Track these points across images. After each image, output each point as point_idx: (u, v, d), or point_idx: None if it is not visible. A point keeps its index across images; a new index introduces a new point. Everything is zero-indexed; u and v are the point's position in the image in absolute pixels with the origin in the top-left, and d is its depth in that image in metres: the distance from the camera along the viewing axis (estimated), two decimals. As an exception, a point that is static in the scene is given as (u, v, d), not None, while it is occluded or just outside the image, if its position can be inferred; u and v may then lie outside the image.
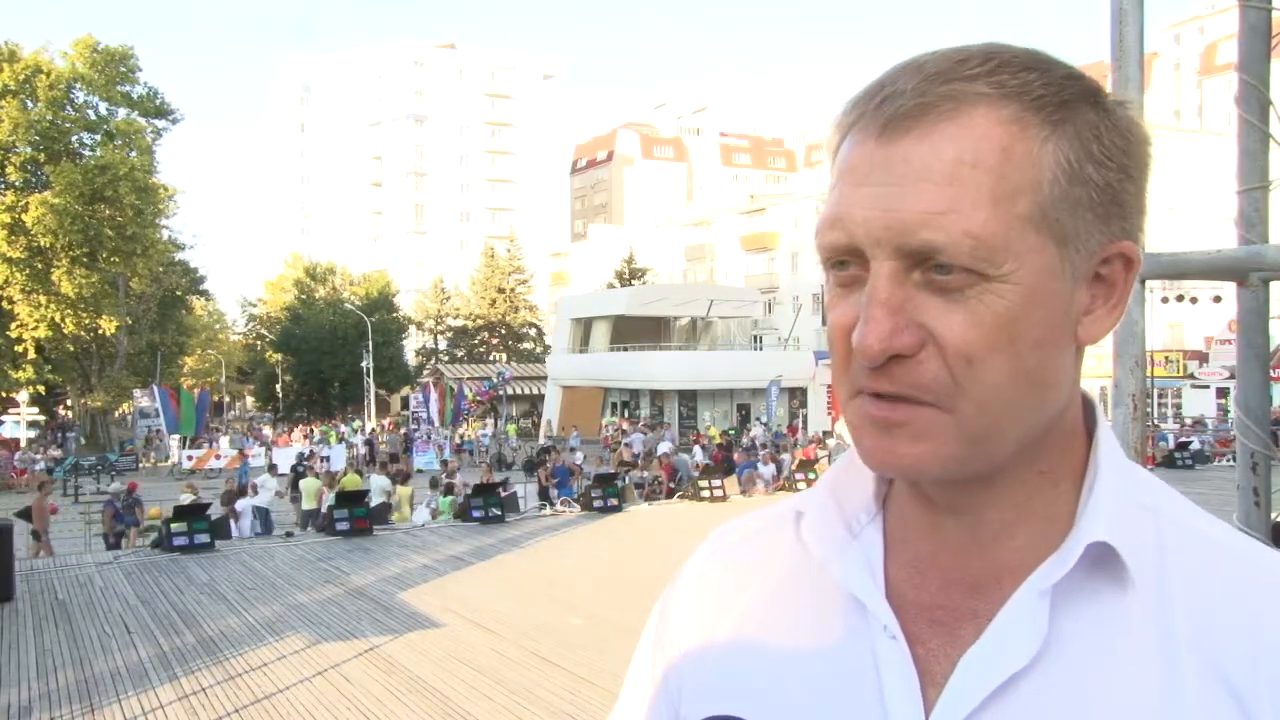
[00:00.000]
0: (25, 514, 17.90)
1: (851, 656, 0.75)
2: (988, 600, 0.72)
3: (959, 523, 0.74)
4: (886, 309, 0.65)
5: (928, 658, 0.73)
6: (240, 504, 18.85)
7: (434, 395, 45.61)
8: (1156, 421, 39.47)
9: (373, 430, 47.72)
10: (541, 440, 42.56)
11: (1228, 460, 26.92)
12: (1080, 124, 0.67)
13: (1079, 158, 0.66)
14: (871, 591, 0.76)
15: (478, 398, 55.86)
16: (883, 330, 0.65)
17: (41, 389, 47.65)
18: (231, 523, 18.25)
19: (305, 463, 28.76)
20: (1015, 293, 0.65)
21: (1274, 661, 0.65)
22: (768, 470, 23.32)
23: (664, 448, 32.40)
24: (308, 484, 20.68)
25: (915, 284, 0.66)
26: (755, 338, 61.45)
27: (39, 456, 37.67)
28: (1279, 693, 0.64)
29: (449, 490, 21.94)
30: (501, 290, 79.53)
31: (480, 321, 79.88)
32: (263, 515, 19.55)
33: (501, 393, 57.09)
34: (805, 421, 46.20)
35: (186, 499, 18.78)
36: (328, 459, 30.27)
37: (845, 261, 0.69)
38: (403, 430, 46.94)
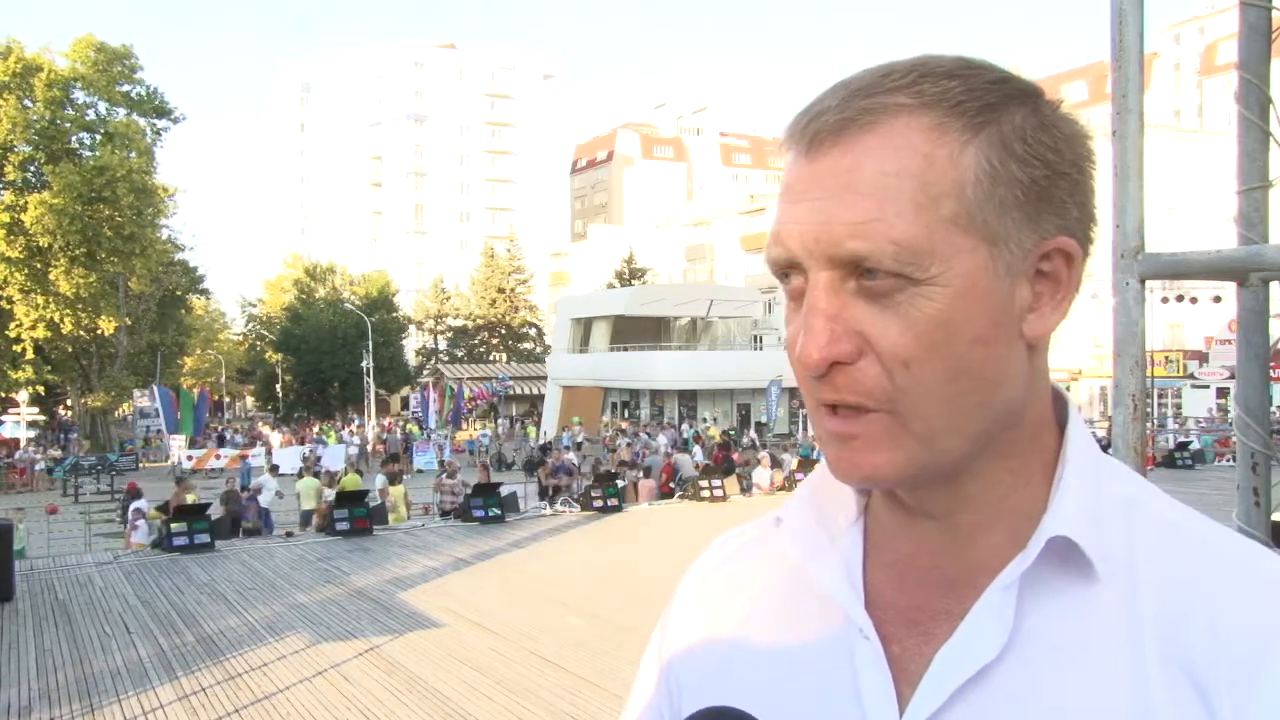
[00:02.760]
0: (164, 508, 18.63)
1: (831, 658, 0.77)
2: (962, 599, 0.74)
3: (935, 525, 0.76)
4: (824, 318, 0.68)
5: (904, 657, 0.75)
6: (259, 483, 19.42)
7: (433, 396, 45.62)
8: (1157, 422, 39.45)
9: (382, 428, 47.61)
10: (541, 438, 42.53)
11: (1228, 460, 26.93)
12: (1004, 125, 0.68)
13: (1001, 158, 0.68)
14: (846, 594, 0.77)
15: (474, 398, 55.91)
16: (820, 340, 0.67)
17: (41, 389, 47.64)
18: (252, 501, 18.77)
19: (304, 462, 28.77)
20: (944, 294, 0.66)
21: (1232, 650, 0.65)
22: (763, 475, 23.23)
23: (663, 440, 32.34)
24: (305, 484, 20.66)
25: (850, 292, 0.68)
26: (755, 338, 61.37)
27: (39, 456, 37.70)
28: (1237, 681, 0.65)
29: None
30: (501, 290, 79.52)
31: (480, 321, 79.88)
32: (263, 515, 19.56)
33: (500, 393, 57.14)
34: (804, 422, 46.19)
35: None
36: (319, 458, 30.28)
37: (789, 274, 0.71)
38: (403, 430, 46.91)
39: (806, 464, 24.23)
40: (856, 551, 0.80)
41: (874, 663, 0.74)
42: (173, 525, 15.71)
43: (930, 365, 0.67)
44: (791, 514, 0.84)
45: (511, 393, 61.59)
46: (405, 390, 70.24)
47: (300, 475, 23.41)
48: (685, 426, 36.88)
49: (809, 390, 0.71)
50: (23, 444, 40.25)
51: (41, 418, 49.37)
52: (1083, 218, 0.72)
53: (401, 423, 52.79)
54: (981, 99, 0.68)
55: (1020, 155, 0.68)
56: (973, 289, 0.67)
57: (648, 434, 37.95)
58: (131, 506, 18.26)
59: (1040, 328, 0.71)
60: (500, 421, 55.37)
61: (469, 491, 19.32)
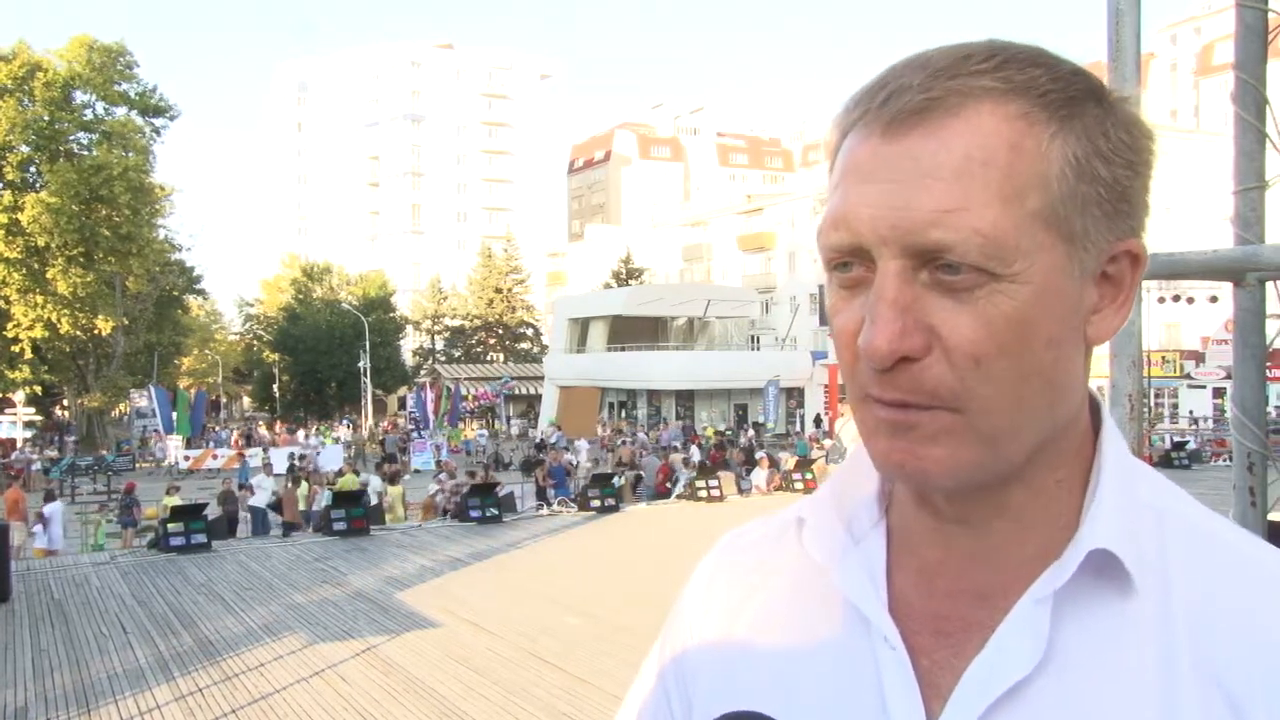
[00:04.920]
0: (276, 506, 18.95)
1: (855, 665, 0.74)
2: (994, 610, 0.71)
3: (968, 532, 0.73)
4: (895, 309, 0.64)
5: (933, 669, 0.72)
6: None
7: (429, 396, 45.62)
8: (1152, 421, 39.50)
9: (381, 429, 47.49)
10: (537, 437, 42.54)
11: (1224, 460, 26.96)
12: (1087, 120, 0.66)
13: (1087, 154, 0.65)
14: (871, 600, 0.74)
15: (478, 399, 55.91)
16: (892, 331, 0.63)
17: (38, 389, 47.58)
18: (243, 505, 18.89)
19: (299, 464, 28.72)
20: (1025, 292, 0.63)
21: (1266, 665, 0.63)
22: (760, 475, 23.28)
23: (584, 445, 32.13)
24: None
25: (923, 284, 0.64)
26: (752, 338, 61.47)
27: (35, 456, 37.64)
28: (1271, 697, 0.63)
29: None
30: (499, 290, 79.49)
31: (477, 322, 79.85)
32: (259, 516, 19.55)
33: (503, 394, 57.16)
34: (802, 422, 46.20)
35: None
36: (304, 457, 30.26)
37: (849, 263, 0.67)
38: (405, 429, 46.92)
39: (804, 464, 24.24)
40: (880, 555, 0.77)
41: (900, 673, 0.71)
42: (169, 526, 15.70)
43: (1003, 365, 0.64)
44: (813, 513, 0.81)
45: (509, 393, 61.59)
46: (402, 390, 70.20)
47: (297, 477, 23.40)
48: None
49: (860, 382, 0.68)
50: (19, 444, 40.19)
51: (38, 418, 49.29)
52: (1145, 220, 0.70)
53: (399, 423, 52.76)
54: (1065, 91, 0.66)
55: (1104, 152, 0.66)
56: (1050, 288, 0.64)
57: (643, 434, 37.91)
58: (45, 509, 17.51)
59: (1104, 330, 0.69)
60: (516, 422, 55.36)
61: (465, 491, 19.34)
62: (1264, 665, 0.64)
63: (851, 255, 0.67)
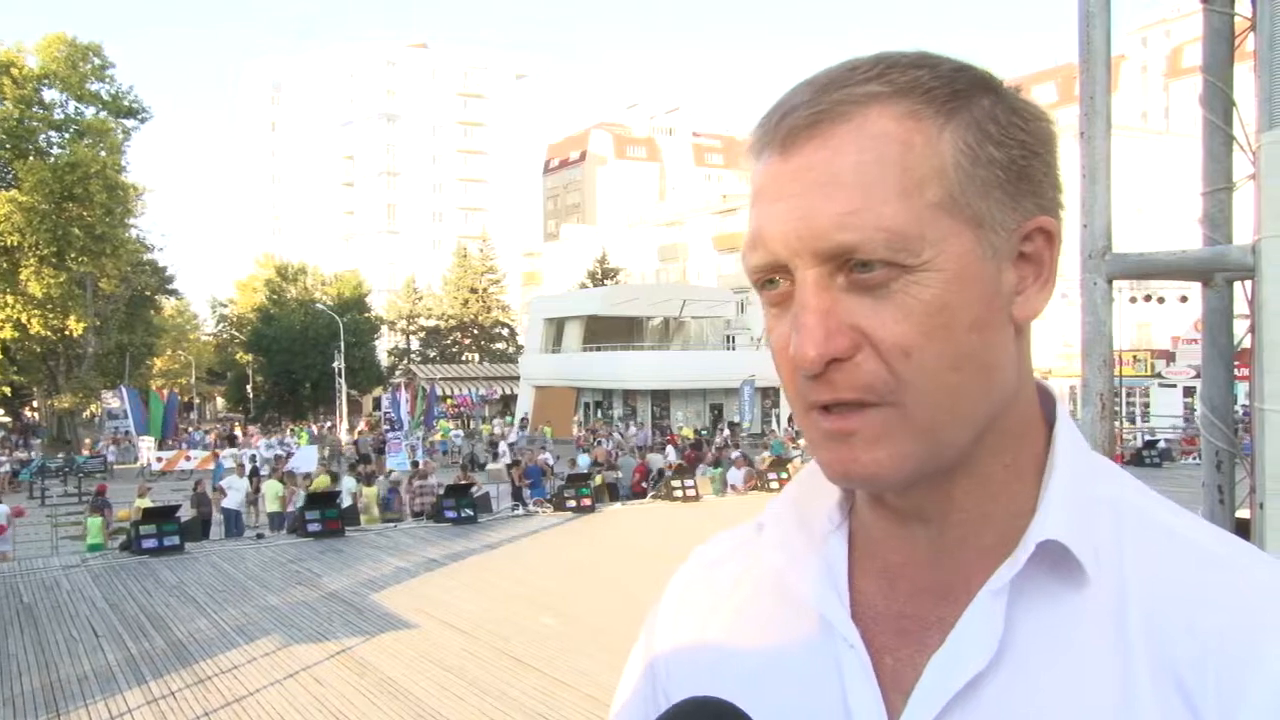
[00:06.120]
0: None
1: (818, 669, 0.75)
2: (955, 606, 0.72)
3: (926, 529, 0.74)
4: (817, 315, 0.66)
5: (896, 668, 0.73)
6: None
7: (404, 396, 45.43)
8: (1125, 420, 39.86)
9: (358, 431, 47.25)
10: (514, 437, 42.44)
11: (1194, 458, 27.24)
12: (975, 110, 0.68)
13: (979, 140, 0.67)
14: (831, 602, 0.76)
15: (458, 406, 55.77)
16: (816, 336, 0.65)
17: (7, 390, 47.02)
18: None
19: (271, 464, 28.52)
20: (939, 279, 0.65)
21: (1217, 660, 0.64)
22: (736, 475, 23.35)
23: (507, 442, 31.84)
24: (270, 486, 20.54)
25: (841, 287, 0.66)
26: (728, 337, 61.49)
27: (4, 459, 37.23)
28: (1224, 694, 0.63)
29: (716, 463, 25.09)
30: (474, 290, 79.24)
31: (453, 321, 79.57)
32: (233, 517, 19.40)
33: (486, 398, 57.01)
34: (778, 421, 46.32)
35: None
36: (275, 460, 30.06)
37: (774, 280, 0.69)
38: (381, 429, 46.70)
39: (778, 463, 24.30)
40: (841, 558, 0.78)
41: (861, 674, 0.73)
42: (142, 527, 15.55)
43: (931, 352, 0.65)
44: (774, 519, 0.82)
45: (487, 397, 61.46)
46: (378, 391, 69.82)
47: (265, 476, 23.28)
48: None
49: (799, 393, 0.69)
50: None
51: (7, 420, 48.74)
52: (1056, 198, 0.72)
53: (376, 423, 52.48)
54: (950, 85, 0.68)
55: (995, 137, 0.68)
56: (965, 272, 0.66)
57: (618, 434, 37.82)
58: None
59: (1029, 309, 0.70)
60: (496, 423, 55.29)
61: (441, 492, 19.28)
62: (1215, 662, 0.64)
63: (772, 272, 0.69)
